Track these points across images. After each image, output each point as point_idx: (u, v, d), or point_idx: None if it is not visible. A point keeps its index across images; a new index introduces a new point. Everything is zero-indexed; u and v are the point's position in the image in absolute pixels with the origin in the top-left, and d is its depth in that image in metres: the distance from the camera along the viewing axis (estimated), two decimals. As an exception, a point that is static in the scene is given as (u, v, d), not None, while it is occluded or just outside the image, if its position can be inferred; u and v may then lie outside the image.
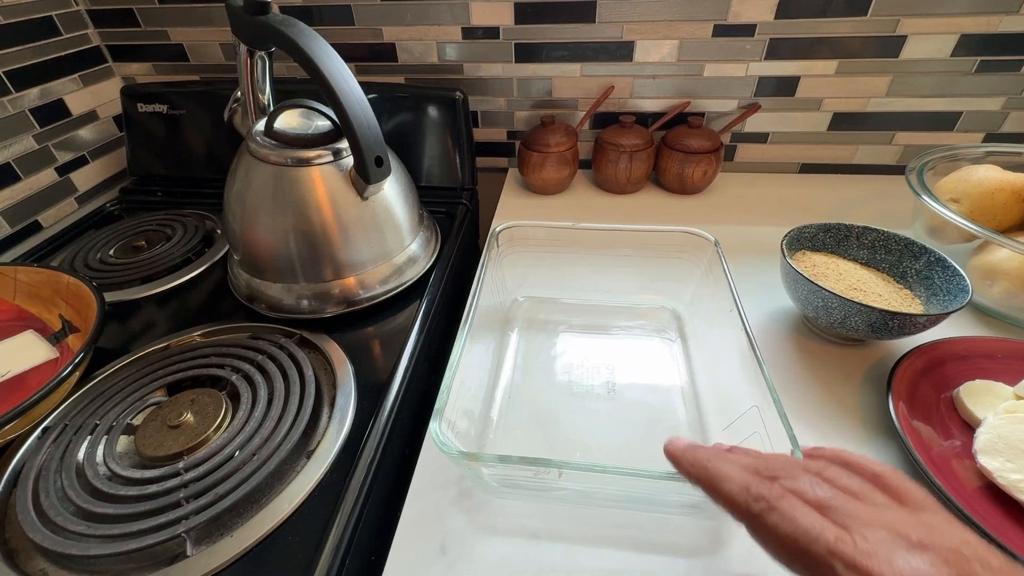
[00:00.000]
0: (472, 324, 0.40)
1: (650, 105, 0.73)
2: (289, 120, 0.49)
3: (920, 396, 0.40)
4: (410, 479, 0.38)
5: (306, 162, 0.47)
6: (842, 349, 0.47)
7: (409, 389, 0.44)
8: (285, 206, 0.47)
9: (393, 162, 0.53)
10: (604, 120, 0.75)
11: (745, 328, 0.38)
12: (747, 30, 0.65)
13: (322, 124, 0.49)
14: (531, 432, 0.42)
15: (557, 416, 0.43)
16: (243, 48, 0.47)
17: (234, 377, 0.42)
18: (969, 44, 0.64)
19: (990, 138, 0.71)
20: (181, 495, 0.33)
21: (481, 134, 0.79)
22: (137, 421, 0.39)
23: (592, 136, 0.76)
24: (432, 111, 0.68)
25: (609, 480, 0.31)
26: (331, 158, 0.48)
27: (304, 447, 0.38)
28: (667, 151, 0.71)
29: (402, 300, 0.53)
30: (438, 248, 0.59)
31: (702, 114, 0.73)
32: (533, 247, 0.52)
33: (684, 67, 0.69)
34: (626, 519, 0.35)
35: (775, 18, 0.64)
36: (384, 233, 0.52)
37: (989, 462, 0.34)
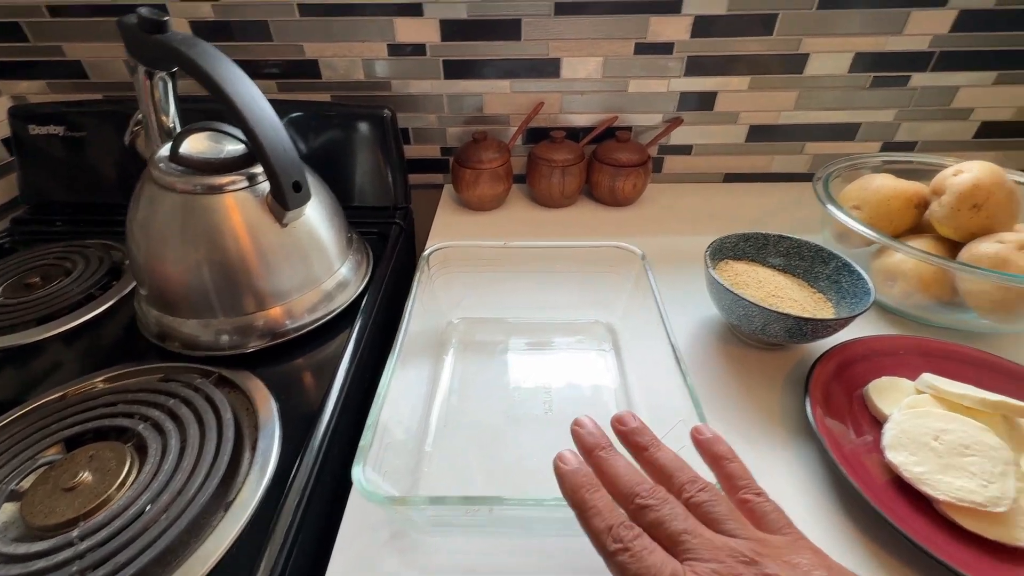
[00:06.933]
0: (402, 352, 0.39)
1: (579, 120, 0.75)
2: (196, 144, 0.45)
3: (834, 396, 0.43)
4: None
5: (218, 189, 0.44)
6: (766, 354, 0.50)
7: (340, 423, 0.42)
8: (197, 237, 0.44)
9: (316, 184, 0.51)
10: (536, 135, 0.75)
11: (670, 341, 0.39)
12: (666, 48, 0.68)
13: (233, 148, 0.46)
14: (468, 460, 0.41)
15: (494, 441, 0.42)
16: (141, 69, 0.44)
17: (141, 427, 0.38)
18: (863, 61, 0.70)
19: (887, 147, 0.77)
20: (75, 568, 0.30)
21: (413, 151, 0.77)
22: (24, 485, 0.35)
23: (525, 151, 0.77)
24: (360, 129, 0.66)
25: (546, 509, 0.31)
26: (246, 183, 0.45)
27: (222, 498, 0.35)
28: (598, 165, 0.72)
29: (333, 328, 0.50)
30: (370, 271, 0.57)
31: (629, 128, 0.75)
32: (467, 267, 0.52)
33: (609, 83, 0.71)
34: (567, 545, 0.34)
35: (691, 37, 0.67)
36: (309, 259, 0.49)
37: (895, 456, 0.36)
